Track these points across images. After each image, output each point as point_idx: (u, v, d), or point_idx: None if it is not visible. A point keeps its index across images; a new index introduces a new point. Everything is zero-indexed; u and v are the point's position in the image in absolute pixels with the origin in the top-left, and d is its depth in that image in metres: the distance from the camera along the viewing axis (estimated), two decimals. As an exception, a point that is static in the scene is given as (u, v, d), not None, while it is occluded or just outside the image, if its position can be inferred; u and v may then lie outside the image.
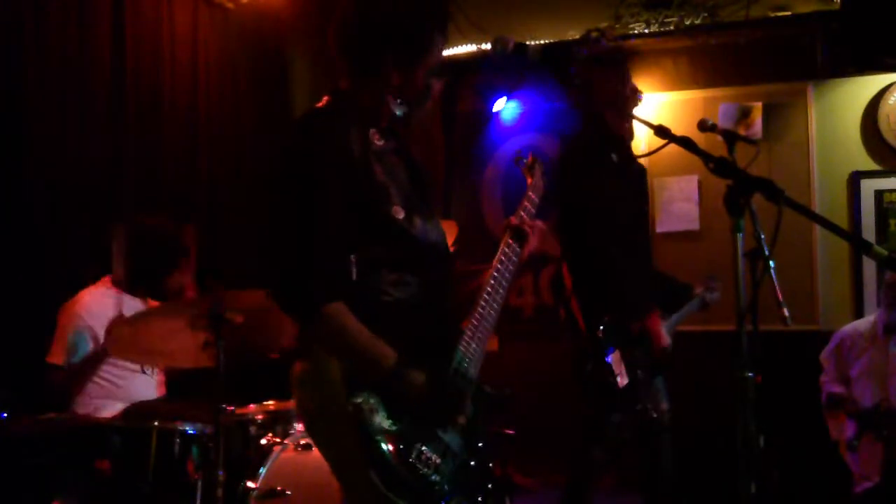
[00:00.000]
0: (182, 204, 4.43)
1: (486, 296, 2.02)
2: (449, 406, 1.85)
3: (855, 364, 4.00)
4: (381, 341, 1.80)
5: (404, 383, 1.80)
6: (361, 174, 1.87)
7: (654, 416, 3.10)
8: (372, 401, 1.76)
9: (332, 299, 1.78)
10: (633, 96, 3.21)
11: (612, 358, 2.97)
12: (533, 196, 2.24)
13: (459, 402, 1.86)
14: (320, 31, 5.48)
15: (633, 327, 3.05)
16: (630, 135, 3.29)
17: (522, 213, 2.15)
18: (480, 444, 1.92)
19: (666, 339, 3.08)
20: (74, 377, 3.25)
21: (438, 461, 1.82)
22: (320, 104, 2.00)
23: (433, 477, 1.80)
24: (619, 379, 2.95)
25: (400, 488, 1.73)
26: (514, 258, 2.09)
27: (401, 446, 1.76)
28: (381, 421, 1.75)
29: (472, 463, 1.90)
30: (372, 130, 1.95)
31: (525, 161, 2.36)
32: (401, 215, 1.90)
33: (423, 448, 1.80)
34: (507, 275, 2.06)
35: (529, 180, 2.31)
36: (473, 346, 1.96)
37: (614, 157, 3.18)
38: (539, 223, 2.17)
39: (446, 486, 1.82)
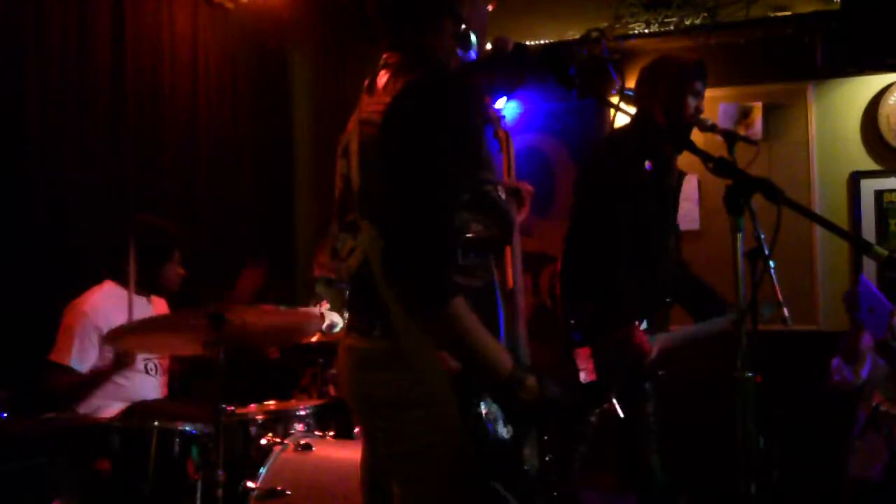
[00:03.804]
0: (182, 204, 4.43)
1: (516, 271, 1.97)
2: (549, 410, 1.77)
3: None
4: (499, 343, 1.71)
5: (524, 390, 1.70)
6: (483, 150, 1.73)
7: (638, 417, 3.06)
8: (493, 408, 1.69)
9: (456, 294, 1.61)
10: (696, 113, 3.09)
11: (579, 353, 2.93)
12: (512, 153, 2.22)
13: (557, 404, 1.79)
14: (320, 31, 5.44)
15: (615, 333, 3.01)
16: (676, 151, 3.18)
17: (513, 174, 2.14)
18: (546, 438, 1.91)
19: (648, 348, 2.98)
20: (85, 386, 3.25)
21: (537, 463, 1.80)
22: (418, 75, 1.72)
23: (538, 479, 1.79)
24: (581, 374, 2.91)
25: (521, 496, 1.70)
26: (517, 224, 2.03)
27: (519, 454, 1.74)
28: (502, 429, 1.70)
29: (546, 458, 1.89)
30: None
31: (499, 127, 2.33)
32: (504, 195, 1.79)
33: (529, 451, 1.77)
34: (518, 245, 2.02)
35: (502, 141, 2.26)
36: (521, 327, 1.92)
37: (648, 164, 3.07)
38: (529, 186, 2.14)
39: (541, 485, 1.82)
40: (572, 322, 2.97)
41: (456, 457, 1.67)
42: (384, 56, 1.83)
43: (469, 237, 1.73)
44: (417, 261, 1.59)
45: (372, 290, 1.72)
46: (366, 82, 1.84)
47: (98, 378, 3.25)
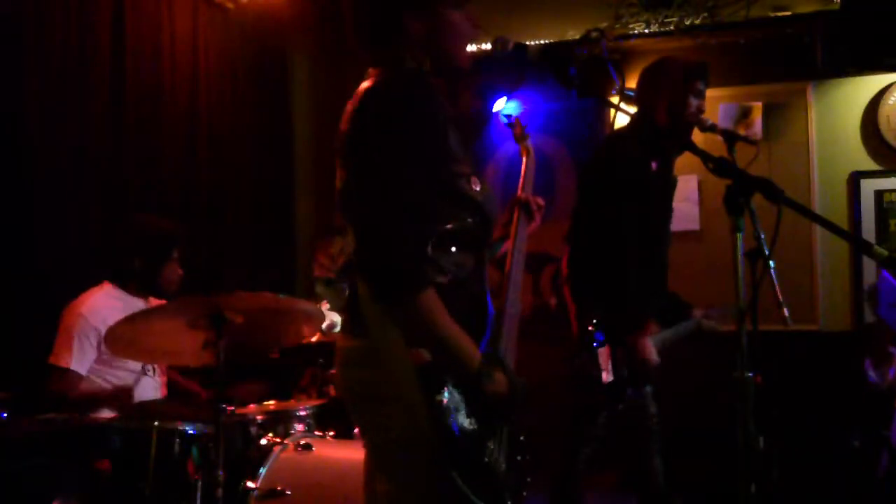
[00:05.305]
0: (182, 204, 4.43)
1: (513, 276, 2.00)
2: (516, 405, 1.80)
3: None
4: (467, 336, 1.73)
5: (491, 383, 1.74)
6: (449, 146, 1.77)
7: (641, 419, 3.07)
8: (455, 398, 1.71)
9: (427, 286, 1.66)
10: (698, 113, 3.09)
11: (601, 352, 2.95)
12: (531, 169, 2.28)
13: (524, 401, 1.81)
14: (320, 31, 5.45)
15: (628, 337, 3.01)
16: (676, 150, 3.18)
17: (528, 189, 2.19)
18: (522, 438, 1.92)
19: (651, 353, 2.99)
20: (83, 404, 3.23)
21: (502, 458, 1.81)
22: (395, 77, 1.79)
23: (502, 475, 1.80)
24: (603, 374, 2.93)
25: (479, 488, 1.71)
26: (525, 235, 2.09)
27: (480, 447, 1.75)
28: (464, 420, 1.71)
29: (519, 458, 1.90)
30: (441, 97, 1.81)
31: (514, 125, 2.38)
32: (477, 187, 1.81)
33: (492, 446, 1.78)
34: (523, 252, 2.06)
35: (524, 155, 2.34)
36: (506, 330, 1.93)
37: (654, 165, 3.08)
38: (541, 200, 2.20)
39: (508, 483, 1.82)
40: (593, 322, 2.98)
41: (426, 450, 1.71)
42: (369, 70, 1.88)
43: (447, 229, 1.77)
44: (382, 253, 1.65)
45: (354, 288, 1.80)
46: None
47: (95, 402, 3.25)
